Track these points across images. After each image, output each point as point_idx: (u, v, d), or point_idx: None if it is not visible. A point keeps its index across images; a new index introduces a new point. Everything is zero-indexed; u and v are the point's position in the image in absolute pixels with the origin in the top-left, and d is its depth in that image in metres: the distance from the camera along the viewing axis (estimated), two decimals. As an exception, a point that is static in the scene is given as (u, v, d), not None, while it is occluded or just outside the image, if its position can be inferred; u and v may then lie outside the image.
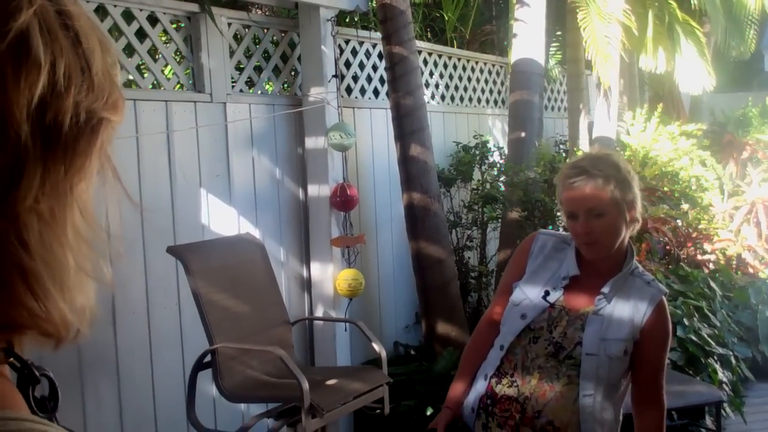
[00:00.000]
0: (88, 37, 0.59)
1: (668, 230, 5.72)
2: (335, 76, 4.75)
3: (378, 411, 3.91)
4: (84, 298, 0.60)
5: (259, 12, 5.44)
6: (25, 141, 0.54)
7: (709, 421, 4.57)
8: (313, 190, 4.75)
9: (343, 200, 4.66)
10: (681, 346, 4.72)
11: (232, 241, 4.08)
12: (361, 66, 5.37)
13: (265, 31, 4.69)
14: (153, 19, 3.97)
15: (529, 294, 2.30)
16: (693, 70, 6.58)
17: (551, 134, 7.36)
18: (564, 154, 6.51)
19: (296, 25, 4.79)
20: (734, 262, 7.00)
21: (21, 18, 0.54)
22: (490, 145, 6.26)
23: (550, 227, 5.10)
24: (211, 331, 3.50)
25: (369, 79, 5.41)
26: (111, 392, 3.71)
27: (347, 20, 5.57)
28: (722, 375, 4.85)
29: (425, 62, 5.94)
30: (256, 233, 4.33)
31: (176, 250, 3.61)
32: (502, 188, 5.70)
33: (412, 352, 5.27)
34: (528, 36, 5.54)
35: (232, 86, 4.40)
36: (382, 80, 5.39)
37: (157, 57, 4.12)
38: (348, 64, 5.24)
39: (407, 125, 4.89)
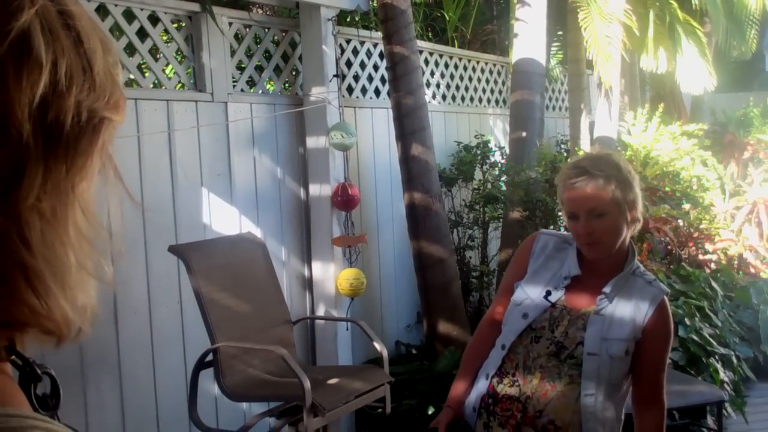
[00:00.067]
0: (89, 36, 0.59)
1: (669, 230, 5.72)
2: (336, 75, 4.75)
3: (379, 410, 3.91)
4: (85, 297, 0.60)
5: (260, 11, 5.45)
6: (26, 140, 0.54)
7: (710, 420, 4.57)
8: (314, 189, 4.75)
9: (344, 200, 4.66)
10: (682, 345, 4.72)
11: (234, 240, 4.08)
12: (362, 65, 5.37)
13: (266, 30, 4.69)
14: (154, 19, 3.97)
15: (530, 294, 2.30)
16: (694, 70, 6.57)
17: (552, 134, 7.35)
18: (565, 154, 6.50)
19: (297, 24, 4.79)
20: (735, 262, 7.01)
21: (22, 18, 0.54)
22: (492, 144, 6.26)
23: (551, 227, 5.10)
24: (212, 330, 3.50)
25: (370, 78, 5.41)
26: (113, 391, 3.71)
27: (348, 20, 5.56)
28: (724, 375, 4.85)
29: (426, 62, 5.94)
30: (257, 232, 4.33)
31: (178, 250, 3.61)
32: (504, 188, 5.70)
33: (414, 352, 5.27)
34: (529, 36, 5.54)
35: (234, 86, 4.41)
36: (383, 80, 5.39)
37: (158, 56, 4.12)
38: (349, 64, 5.24)
39: (408, 125, 4.89)
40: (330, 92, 4.67)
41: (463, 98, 6.49)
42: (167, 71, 4.30)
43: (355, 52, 5.28)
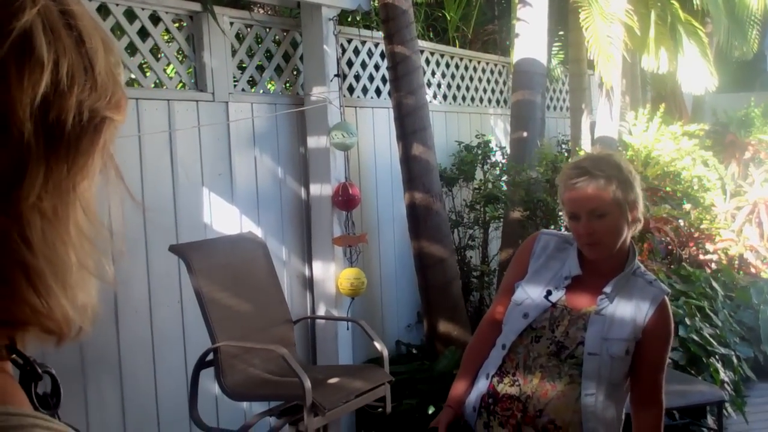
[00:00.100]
0: (91, 36, 0.59)
1: (670, 230, 5.72)
2: (337, 75, 4.75)
3: (380, 409, 3.91)
4: (86, 296, 0.60)
5: (261, 11, 5.45)
6: (28, 139, 0.54)
7: (710, 420, 4.57)
8: (315, 189, 4.75)
9: (345, 199, 4.66)
10: (683, 345, 4.72)
11: (235, 239, 4.09)
12: (363, 65, 5.37)
13: (268, 30, 4.69)
14: (155, 18, 3.97)
15: (531, 293, 2.30)
16: (695, 71, 6.57)
17: (553, 134, 7.35)
18: (566, 154, 6.51)
19: (298, 24, 4.79)
20: (736, 262, 7.01)
21: (24, 17, 0.54)
22: (492, 144, 6.26)
23: (552, 227, 5.10)
24: (213, 329, 3.50)
25: (371, 78, 5.41)
26: (113, 390, 3.72)
27: (349, 19, 5.56)
28: (724, 375, 4.85)
29: (427, 62, 5.94)
30: (258, 232, 4.33)
31: (179, 249, 3.62)
32: (504, 188, 5.70)
33: (414, 351, 5.28)
34: (530, 36, 5.54)
35: (234, 85, 4.41)
36: (384, 80, 5.39)
37: (159, 56, 4.12)
38: (350, 64, 5.24)
39: (409, 125, 4.89)
40: (331, 92, 4.67)
41: (464, 98, 6.49)
42: (168, 71, 4.30)
43: (356, 51, 5.28)
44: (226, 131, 4.30)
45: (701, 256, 6.41)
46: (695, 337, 4.79)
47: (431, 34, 6.84)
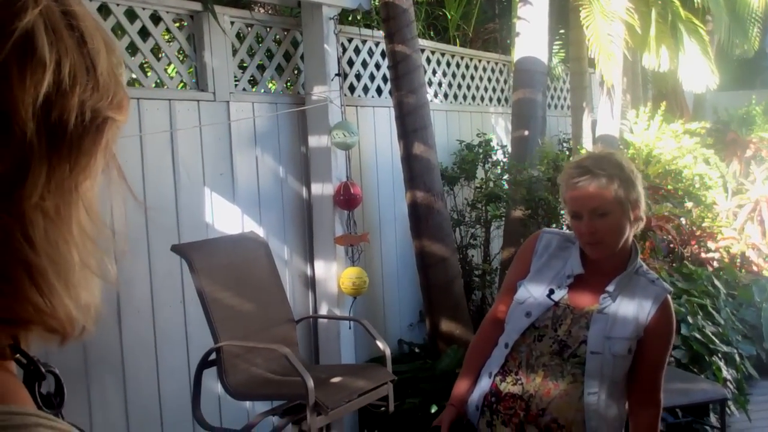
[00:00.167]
0: (93, 37, 0.59)
1: (672, 228, 5.72)
2: (338, 74, 4.75)
3: (382, 409, 3.91)
4: (89, 295, 0.60)
5: (262, 11, 5.44)
6: (30, 139, 0.55)
7: (713, 418, 4.57)
8: (316, 188, 4.75)
9: (346, 199, 4.66)
10: (685, 344, 4.72)
11: (236, 239, 4.09)
12: (364, 64, 5.37)
13: (268, 29, 4.69)
14: (156, 18, 3.97)
15: (533, 292, 2.30)
16: (696, 68, 6.57)
17: (554, 132, 7.35)
18: (567, 153, 6.51)
19: (299, 23, 4.79)
20: (738, 260, 7.00)
21: (26, 18, 0.54)
22: (494, 143, 6.25)
23: (554, 226, 5.10)
24: (215, 329, 3.50)
25: (372, 77, 5.41)
26: (116, 390, 3.72)
27: (350, 19, 5.56)
28: (726, 373, 4.84)
29: (428, 61, 5.94)
30: (259, 231, 4.34)
31: (180, 249, 3.62)
32: (506, 186, 5.70)
33: (417, 350, 5.28)
34: (531, 34, 5.54)
35: (235, 85, 4.41)
36: (384, 79, 5.39)
37: (160, 56, 4.12)
38: (351, 63, 5.25)
39: (410, 123, 4.89)
40: (332, 91, 4.67)
41: (465, 97, 6.49)
42: (169, 71, 4.30)
43: (357, 51, 5.29)
44: (228, 131, 4.30)
45: (703, 255, 6.41)
46: (697, 336, 4.79)
47: (432, 32, 6.84)
